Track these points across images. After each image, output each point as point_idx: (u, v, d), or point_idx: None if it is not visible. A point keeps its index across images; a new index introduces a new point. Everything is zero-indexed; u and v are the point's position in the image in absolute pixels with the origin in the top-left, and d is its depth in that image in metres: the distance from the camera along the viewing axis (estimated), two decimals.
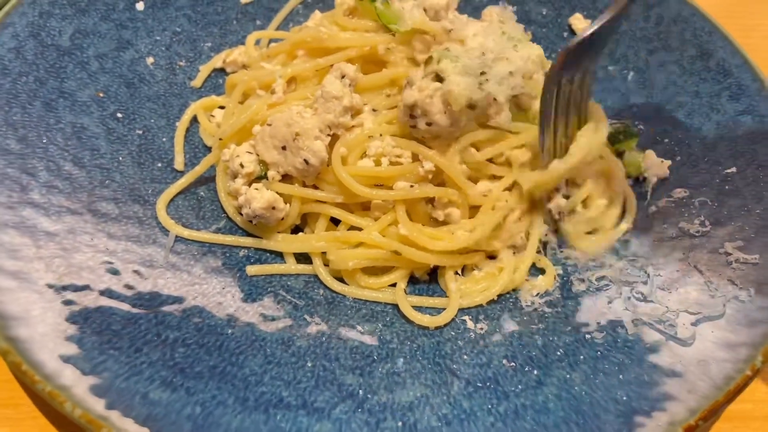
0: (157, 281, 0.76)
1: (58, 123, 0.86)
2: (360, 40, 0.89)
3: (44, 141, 0.84)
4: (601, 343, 0.74)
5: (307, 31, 0.90)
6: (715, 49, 1.01)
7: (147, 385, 0.64)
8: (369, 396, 0.68)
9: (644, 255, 0.84)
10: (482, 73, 0.80)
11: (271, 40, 1.06)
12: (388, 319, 0.79)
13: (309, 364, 0.71)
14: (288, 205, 0.85)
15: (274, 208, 0.84)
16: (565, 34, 1.11)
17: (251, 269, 0.82)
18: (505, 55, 0.82)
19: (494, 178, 0.87)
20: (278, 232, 0.86)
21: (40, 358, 0.64)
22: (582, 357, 0.73)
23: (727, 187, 0.88)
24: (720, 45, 1.01)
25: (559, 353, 0.74)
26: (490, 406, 0.68)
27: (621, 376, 0.70)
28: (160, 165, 0.90)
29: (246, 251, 0.85)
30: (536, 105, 0.85)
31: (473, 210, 0.86)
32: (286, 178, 0.86)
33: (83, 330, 0.68)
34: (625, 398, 0.68)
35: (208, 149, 0.94)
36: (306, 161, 0.82)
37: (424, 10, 0.94)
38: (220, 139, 0.89)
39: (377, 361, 0.73)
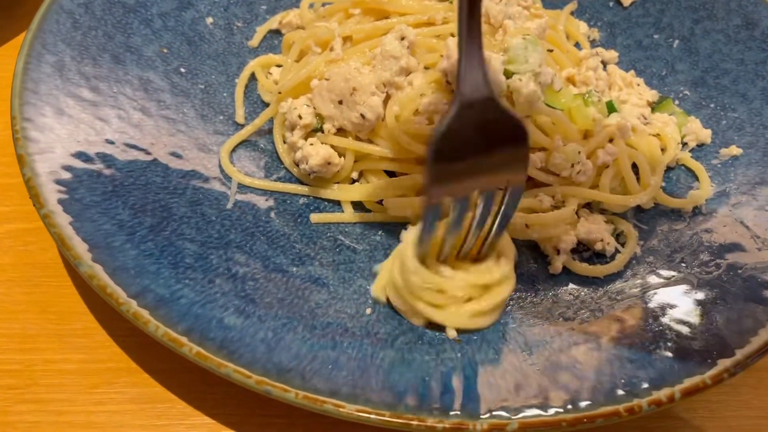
0: (223, 222, 0.80)
1: (126, 75, 0.90)
2: (419, 8, 0.92)
3: (114, 91, 0.88)
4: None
5: None
6: (760, 18, 1.02)
7: (222, 312, 0.68)
8: (428, 330, 0.72)
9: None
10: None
11: (323, 4, 1.09)
12: None
13: (369, 301, 0.75)
14: (342, 158, 0.89)
15: (329, 163, 0.87)
16: (611, 4, 1.13)
17: (314, 217, 0.85)
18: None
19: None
20: (335, 183, 0.89)
21: (123, 283, 0.68)
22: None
23: None
24: (765, 15, 1.02)
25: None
26: (545, 342, 0.71)
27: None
28: (221, 118, 0.94)
29: (305, 199, 0.88)
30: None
31: None
32: (340, 131, 0.89)
33: (160, 261, 0.72)
34: (680, 334, 0.71)
35: (266, 105, 0.98)
36: (363, 116, 0.85)
37: None
38: (279, 92, 0.92)
39: None
